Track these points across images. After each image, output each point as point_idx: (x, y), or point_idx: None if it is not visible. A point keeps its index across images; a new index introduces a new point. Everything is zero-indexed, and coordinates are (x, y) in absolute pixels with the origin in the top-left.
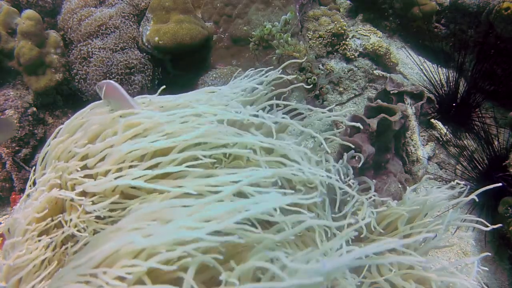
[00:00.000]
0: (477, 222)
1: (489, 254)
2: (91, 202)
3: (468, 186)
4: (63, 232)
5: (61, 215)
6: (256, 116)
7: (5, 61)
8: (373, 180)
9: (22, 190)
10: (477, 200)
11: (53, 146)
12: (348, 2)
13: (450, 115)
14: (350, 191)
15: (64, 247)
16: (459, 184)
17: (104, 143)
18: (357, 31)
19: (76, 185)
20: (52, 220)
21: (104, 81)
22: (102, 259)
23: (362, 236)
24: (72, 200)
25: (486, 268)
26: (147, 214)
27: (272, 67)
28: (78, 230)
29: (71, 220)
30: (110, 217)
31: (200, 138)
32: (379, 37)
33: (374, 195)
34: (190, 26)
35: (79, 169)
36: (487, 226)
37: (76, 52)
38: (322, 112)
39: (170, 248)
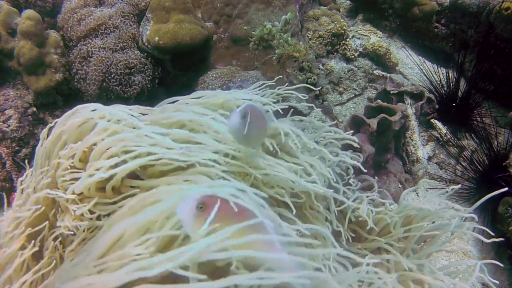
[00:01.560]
0: (474, 229)
1: (501, 265)
2: (77, 205)
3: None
4: (54, 232)
5: (55, 211)
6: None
7: (5, 61)
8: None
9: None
10: (476, 219)
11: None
12: (348, 2)
13: (450, 115)
14: (345, 192)
15: (54, 243)
16: (454, 189)
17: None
18: (357, 31)
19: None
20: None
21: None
22: (110, 244)
23: (360, 235)
24: (67, 201)
25: (497, 281)
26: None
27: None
28: (70, 230)
29: (63, 220)
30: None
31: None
32: (379, 37)
33: (376, 195)
34: (190, 26)
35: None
36: (491, 236)
37: (76, 52)
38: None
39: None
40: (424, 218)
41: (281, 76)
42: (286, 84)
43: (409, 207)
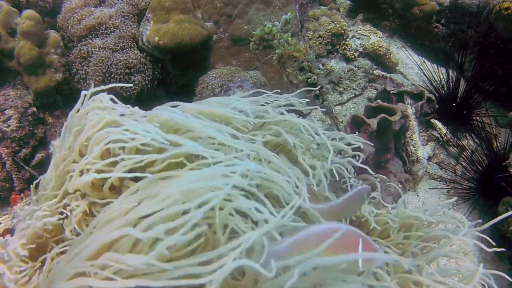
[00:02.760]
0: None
1: (509, 278)
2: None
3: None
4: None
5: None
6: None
7: (5, 61)
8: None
9: (22, 190)
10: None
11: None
12: (348, 2)
13: (450, 115)
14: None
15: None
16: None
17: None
18: (357, 31)
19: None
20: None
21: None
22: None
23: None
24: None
25: None
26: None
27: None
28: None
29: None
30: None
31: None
32: (379, 37)
33: (378, 195)
34: (190, 26)
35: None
36: (493, 246)
37: (76, 52)
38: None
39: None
40: (423, 227)
41: (278, 90)
42: (285, 83)
43: (406, 214)
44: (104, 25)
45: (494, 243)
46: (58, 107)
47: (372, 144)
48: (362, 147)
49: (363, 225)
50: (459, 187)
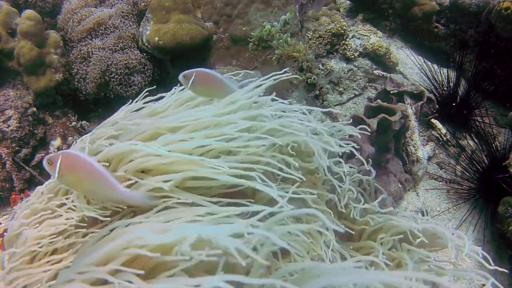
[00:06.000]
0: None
1: None
2: None
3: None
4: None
5: None
6: None
7: (5, 61)
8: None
9: (22, 190)
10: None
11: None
12: (348, 2)
13: (450, 115)
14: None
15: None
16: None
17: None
18: (357, 31)
19: None
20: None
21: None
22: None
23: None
24: None
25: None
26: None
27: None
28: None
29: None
30: None
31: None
32: (379, 37)
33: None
34: (190, 26)
35: None
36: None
37: (76, 52)
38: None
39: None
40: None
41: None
42: (285, 83)
43: (401, 227)
44: (103, 25)
45: (493, 263)
46: (58, 107)
47: (362, 143)
48: (359, 136)
49: (356, 222)
50: (459, 187)
